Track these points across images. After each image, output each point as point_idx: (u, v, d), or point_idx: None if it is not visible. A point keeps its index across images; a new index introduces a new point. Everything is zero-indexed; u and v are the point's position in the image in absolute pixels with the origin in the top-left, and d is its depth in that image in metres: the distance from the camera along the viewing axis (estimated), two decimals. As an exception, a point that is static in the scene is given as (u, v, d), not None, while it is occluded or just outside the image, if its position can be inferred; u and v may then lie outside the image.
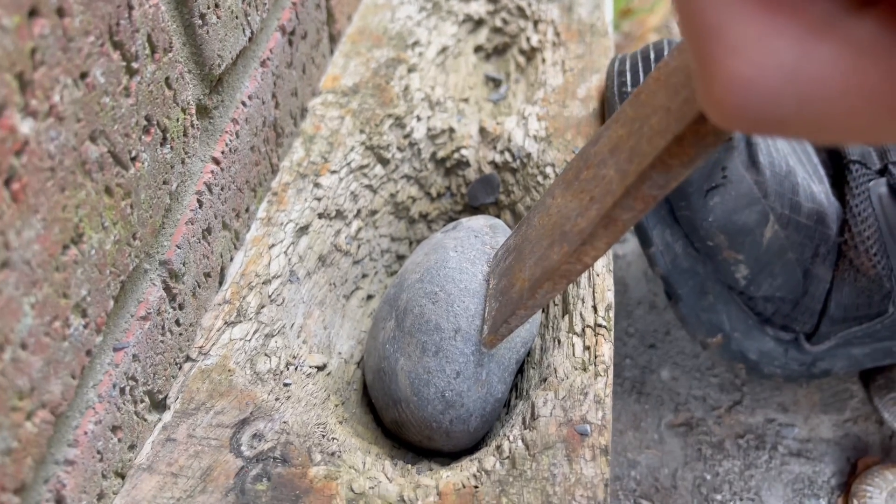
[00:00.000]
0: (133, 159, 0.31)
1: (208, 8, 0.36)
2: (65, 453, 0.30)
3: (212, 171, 0.40)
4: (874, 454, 0.55)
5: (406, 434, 0.42)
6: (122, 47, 0.29)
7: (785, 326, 0.53)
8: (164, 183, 0.34)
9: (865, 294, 0.50)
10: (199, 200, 0.38)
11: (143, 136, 0.31)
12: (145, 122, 0.32)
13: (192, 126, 0.36)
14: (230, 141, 0.41)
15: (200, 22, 0.35)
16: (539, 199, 0.33)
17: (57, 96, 0.25)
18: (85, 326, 0.29)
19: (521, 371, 0.44)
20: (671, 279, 0.50)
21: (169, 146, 0.34)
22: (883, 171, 0.50)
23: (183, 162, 0.36)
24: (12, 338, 0.25)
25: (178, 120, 0.35)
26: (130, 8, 0.29)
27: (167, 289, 0.36)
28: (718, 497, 0.52)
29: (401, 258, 0.53)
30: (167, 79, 0.33)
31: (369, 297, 0.51)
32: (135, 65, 0.30)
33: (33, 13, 0.24)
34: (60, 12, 0.25)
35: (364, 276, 0.51)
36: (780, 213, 0.48)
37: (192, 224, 0.38)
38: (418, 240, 0.54)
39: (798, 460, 0.54)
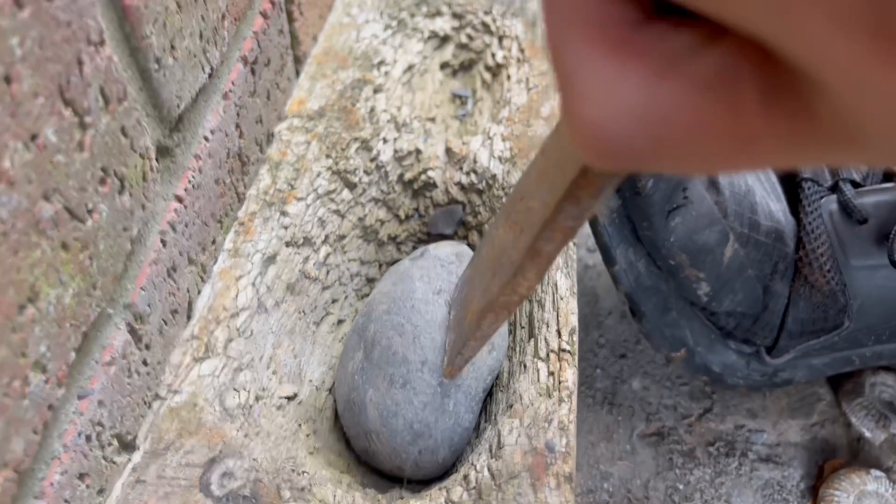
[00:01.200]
0: (90, 212, 0.31)
1: (164, 51, 0.36)
2: (31, 506, 0.30)
3: (175, 210, 0.40)
4: (842, 457, 0.56)
5: (377, 463, 0.43)
6: (74, 104, 0.29)
7: (746, 340, 0.54)
8: (125, 230, 0.34)
9: (821, 309, 0.51)
10: (162, 240, 0.39)
11: (99, 188, 0.32)
12: (101, 174, 0.32)
13: (152, 170, 0.37)
14: (193, 177, 0.41)
15: (156, 66, 0.35)
16: (487, 231, 0.34)
17: (7, 162, 0.26)
18: (46, 382, 0.29)
19: (490, 394, 0.45)
20: (634, 297, 0.51)
21: (128, 193, 0.34)
22: (834, 188, 0.51)
23: (143, 207, 0.36)
24: (-30, 404, 0.25)
25: (136, 166, 0.35)
26: (80, 64, 0.29)
27: (132, 331, 0.36)
28: (690, 506, 0.53)
29: (371, 281, 0.54)
30: (122, 128, 0.33)
31: (340, 321, 0.51)
32: (88, 119, 0.30)
33: (-22, 83, 0.24)
34: (7, 79, 0.25)
35: (334, 301, 0.51)
36: (739, 233, 0.49)
37: (157, 265, 0.38)
38: (388, 262, 0.54)
39: (767, 465, 0.55)
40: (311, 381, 0.47)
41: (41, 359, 0.29)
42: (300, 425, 0.42)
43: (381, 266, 0.54)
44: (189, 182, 0.41)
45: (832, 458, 0.56)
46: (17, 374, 0.28)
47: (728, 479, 0.54)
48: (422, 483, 0.42)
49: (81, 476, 0.33)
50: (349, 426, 0.43)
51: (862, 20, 0.10)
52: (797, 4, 0.10)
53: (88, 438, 0.33)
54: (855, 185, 0.52)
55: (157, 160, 0.37)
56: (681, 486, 0.53)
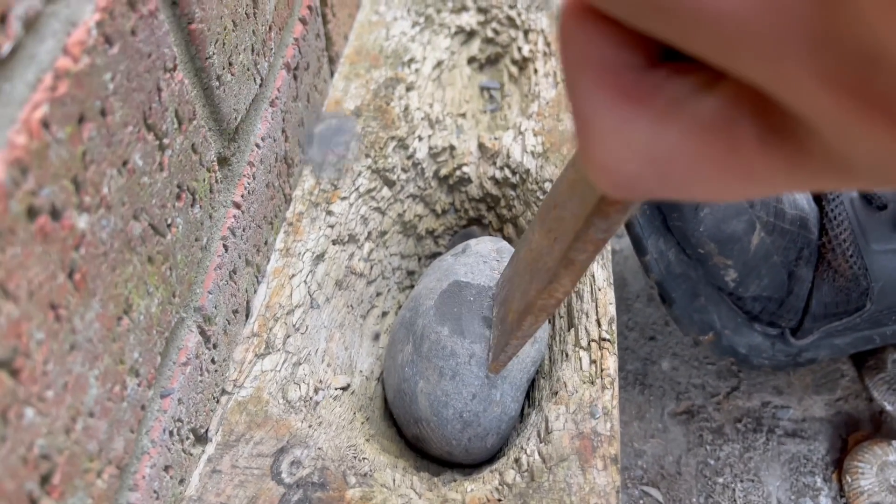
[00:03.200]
0: (169, 226, 0.34)
1: (223, 68, 0.38)
2: (127, 497, 0.33)
3: (234, 216, 0.42)
4: (865, 430, 0.58)
5: (427, 449, 0.45)
6: (155, 128, 0.31)
7: (771, 323, 0.56)
8: (196, 240, 0.37)
9: (844, 292, 0.53)
10: (224, 245, 0.41)
11: (176, 203, 0.34)
12: (177, 190, 0.34)
13: (217, 182, 0.39)
14: (248, 184, 0.44)
15: (217, 83, 0.38)
16: (525, 232, 0.35)
17: (105, 188, 0.28)
18: (139, 385, 0.32)
19: (533, 382, 0.47)
20: (665, 284, 0.53)
21: (198, 206, 0.37)
22: None
23: (211, 217, 0.38)
24: (82, 409, 0.28)
25: (204, 180, 0.37)
26: (160, 90, 0.32)
27: (202, 333, 0.39)
28: (720, 480, 0.55)
29: (411, 273, 0.56)
30: (193, 145, 0.35)
31: (384, 313, 0.54)
32: (166, 140, 0.33)
33: (81, 119, 0.26)
34: (103, 112, 0.28)
35: (378, 294, 0.54)
36: (765, 221, 0.51)
37: (220, 269, 0.41)
38: (426, 255, 0.57)
39: (794, 440, 0.57)
40: (361, 371, 0.49)
41: (135, 364, 0.32)
42: (355, 414, 0.45)
43: (420, 259, 0.56)
44: (245, 188, 0.43)
45: (856, 432, 0.58)
46: (118, 380, 0.30)
47: (756, 454, 0.56)
48: (471, 467, 0.45)
49: (166, 468, 0.36)
50: (400, 414, 0.46)
51: (845, 82, 0.11)
52: (788, 61, 0.12)
53: (171, 434, 0.36)
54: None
55: (218, 171, 0.40)
56: (711, 462, 0.56)
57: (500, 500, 0.37)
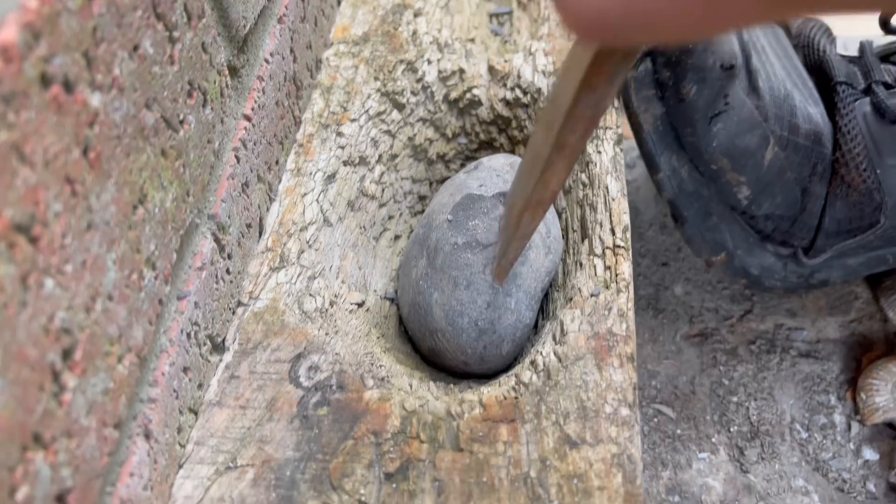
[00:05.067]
0: (181, 122, 0.33)
1: (230, -28, 0.38)
2: (148, 392, 0.33)
3: (245, 128, 0.42)
4: (879, 350, 0.58)
5: (443, 361, 0.45)
6: (165, 18, 0.31)
7: (784, 242, 0.55)
8: (209, 142, 0.37)
9: (857, 208, 0.53)
10: (236, 156, 0.41)
11: (187, 100, 0.34)
12: (188, 87, 0.34)
13: (227, 87, 0.39)
14: (258, 98, 0.44)
15: (225, -14, 0.37)
16: (530, 136, 0.35)
17: (117, 69, 0.28)
18: (155, 278, 0.32)
19: (546, 296, 0.47)
20: (677, 202, 0.52)
21: (210, 107, 0.36)
22: (867, 91, 0.52)
23: (222, 121, 0.38)
24: (101, 290, 0.28)
25: (215, 82, 0.37)
26: (168, -20, 0.31)
27: (217, 241, 0.39)
28: (734, 399, 0.55)
29: (422, 198, 0.56)
30: (203, 44, 0.35)
31: (396, 237, 0.54)
32: (175, 33, 0.32)
33: (91, -6, 0.26)
34: (112, -9, 0.27)
35: (390, 217, 0.54)
36: (779, 136, 0.50)
37: (233, 179, 0.41)
38: (437, 180, 0.56)
39: (807, 360, 0.57)
40: (375, 290, 0.50)
41: (151, 256, 0.32)
42: (370, 329, 0.45)
43: (431, 184, 0.56)
44: (255, 102, 0.43)
45: (870, 352, 0.58)
46: (135, 269, 0.30)
47: (770, 374, 0.57)
48: (487, 378, 0.45)
49: (185, 370, 0.36)
50: (415, 328, 0.46)
51: None
52: None
53: (189, 336, 0.36)
54: (887, 86, 0.53)
55: (229, 77, 0.39)
56: (725, 382, 0.56)
57: (516, 398, 0.37)
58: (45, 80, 0.24)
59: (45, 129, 0.24)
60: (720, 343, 0.58)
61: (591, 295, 0.41)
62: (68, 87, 0.25)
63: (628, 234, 0.43)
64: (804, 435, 0.54)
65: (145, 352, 0.32)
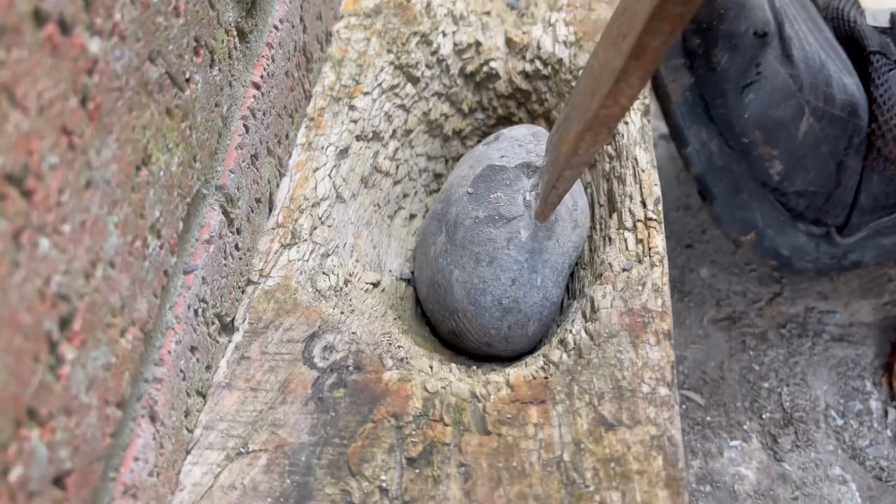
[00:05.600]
0: (188, 80, 0.31)
1: (239, -74, 0.35)
2: (153, 372, 0.31)
3: (254, 96, 0.40)
4: (915, 334, 0.56)
5: (464, 343, 0.43)
6: (169, -35, 0.29)
7: (817, 220, 0.53)
8: (216, 105, 0.34)
9: (894, 182, 0.50)
10: (245, 125, 0.39)
11: (194, 58, 0.32)
12: (195, 43, 0.32)
13: (235, 48, 0.36)
14: (267, 66, 0.41)
15: (233, -60, 0.35)
16: (584, 67, 0.33)
17: (118, 14, 0.25)
18: (161, 247, 0.30)
19: (571, 274, 0.45)
20: (706, 178, 0.50)
21: (217, 68, 0.34)
22: None
23: (230, 84, 0.36)
24: (102, 255, 0.26)
25: (223, 42, 0.35)
26: (172, -76, 0.29)
27: (225, 213, 0.37)
28: (766, 384, 0.53)
29: (438, 176, 0.54)
30: (210, -1, 0.33)
31: (411, 216, 0.52)
32: (181, -17, 0.30)
33: (89, -72, 0.24)
34: (112, -73, 0.25)
35: (405, 195, 0.51)
36: (814, 106, 0.48)
37: (241, 149, 0.38)
38: (453, 157, 0.54)
39: (841, 345, 0.55)
40: (390, 271, 0.47)
41: (156, 223, 0.29)
42: (387, 310, 0.43)
43: (447, 161, 0.54)
44: (264, 70, 0.41)
45: (906, 335, 0.56)
46: (139, 235, 0.28)
47: (802, 359, 0.54)
48: (510, 360, 0.43)
49: (192, 349, 0.34)
50: (434, 309, 0.44)
51: None
52: None
53: (196, 313, 0.34)
54: (925, 55, 0.51)
55: (237, 40, 0.37)
56: (756, 367, 0.54)
57: (546, 378, 0.35)
58: (39, 18, 0.22)
59: (39, 72, 0.22)
60: (749, 327, 0.56)
61: (623, 269, 0.38)
62: (64, 27, 0.23)
63: (660, 207, 0.41)
64: (840, 422, 0.51)
65: (150, 326, 0.29)
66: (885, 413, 0.52)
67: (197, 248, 0.34)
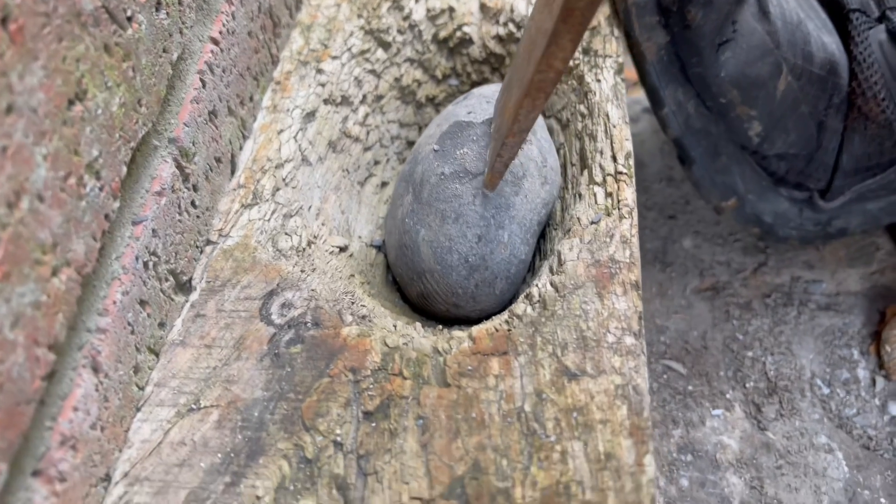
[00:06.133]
0: (129, 19, 0.30)
1: None
2: (96, 321, 0.30)
3: (211, 51, 0.39)
4: (904, 302, 0.54)
5: (433, 305, 0.42)
6: None
7: (799, 185, 0.52)
8: (164, 51, 0.33)
9: (877, 141, 0.49)
10: (201, 80, 0.38)
11: (136, -4, 0.31)
12: (137, -18, 0.31)
13: (186, -5, 0.35)
14: (227, 22, 0.40)
15: None
16: (523, 30, 0.32)
17: (43, -64, 0.24)
18: (101, 189, 0.29)
19: (543, 234, 0.44)
20: (684, 141, 0.49)
21: (165, 12, 0.33)
22: (881, 18, 0.49)
23: (181, 32, 0.35)
24: (28, 187, 0.25)
25: (170, -15, 0.34)
26: None
27: (179, 167, 0.36)
28: (749, 354, 0.51)
29: (411, 144, 0.53)
30: (155, -61, 0.32)
31: (383, 184, 0.50)
32: (119, -83, 0.29)
33: None
34: None
35: (376, 162, 0.50)
36: (793, 64, 0.46)
37: (198, 103, 0.37)
38: (427, 125, 0.53)
39: (827, 314, 0.54)
40: (360, 237, 0.46)
41: (94, 163, 0.28)
42: (354, 274, 0.41)
43: (420, 129, 0.53)
44: (223, 26, 0.40)
45: (894, 304, 0.54)
46: (73, 172, 0.27)
47: (787, 328, 0.53)
48: (478, 323, 0.42)
49: (142, 303, 0.33)
50: (402, 273, 0.42)
51: None
52: None
53: (146, 266, 0.33)
54: (905, 12, 0.50)
55: (190, -10, 0.36)
56: (740, 336, 0.52)
57: (509, 330, 0.34)
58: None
59: (-53, -19, 0.21)
60: (733, 297, 0.54)
61: (591, 222, 0.37)
62: (-22, -61, 0.22)
63: (631, 161, 0.40)
64: (826, 391, 0.50)
65: (88, 270, 0.28)
66: (873, 382, 0.51)
67: (147, 199, 0.33)
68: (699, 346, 0.52)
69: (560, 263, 0.36)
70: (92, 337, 0.29)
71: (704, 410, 0.49)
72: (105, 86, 0.29)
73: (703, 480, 0.46)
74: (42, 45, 0.25)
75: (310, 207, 0.42)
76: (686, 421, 0.48)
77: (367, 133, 0.49)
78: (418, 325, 0.37)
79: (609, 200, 0.38)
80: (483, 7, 0.51)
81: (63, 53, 0.26)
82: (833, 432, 0.48)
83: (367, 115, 0.49)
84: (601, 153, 0.40)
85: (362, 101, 0.49)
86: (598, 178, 0.39)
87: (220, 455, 0.31)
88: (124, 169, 0.30)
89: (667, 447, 0.47)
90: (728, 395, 0.50)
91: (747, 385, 0.50)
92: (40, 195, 0.25)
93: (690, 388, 0.50)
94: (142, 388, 0.33)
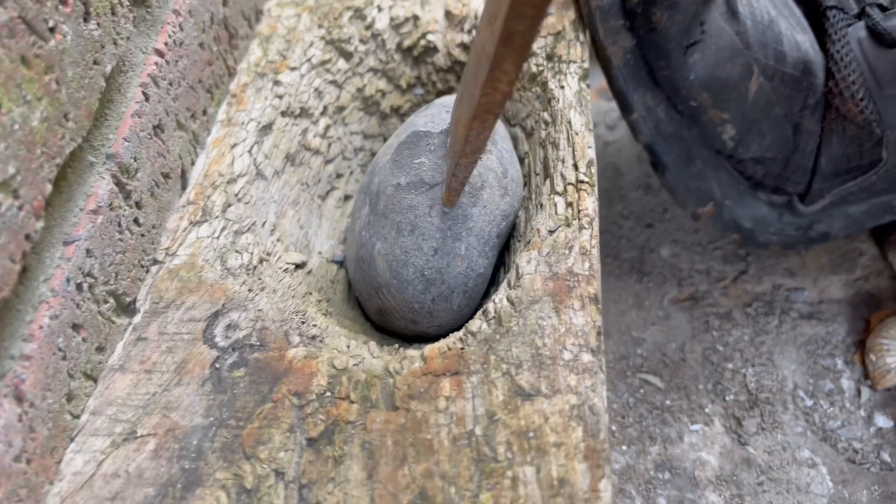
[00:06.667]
0: (52, 30, 0.29)
1: None
2: (20, 348, 0.28)
3: (156, 63, 0.37)
4: (888, 309, 0.53)
5: (391, 321, 0.40)
6: None
7: (777, 189, 0.50)
8: (96, 63, 0.32)
9: (856, 143, 0.47)
10: (144, 93, 0.36)
11: (60, 6, 0.29)
12: (61, -9, 0.29)
13: (121, 5, 0.34)
14: (173, 33, 0.39)
15: None
16: (471, 44, 0.31)
17: (-59, -58, 0.23)
18: (19, 208, 0.27)
19: (507, 247, 0.42)
20: (656, 146, 0.47)
21: (95, 23, 0.32)
22: (860, 15, 0.47)
23: (115, 43, 0.33)
24: (-71, 209, 0.23)
25: (101, -5, 0.32)
26: None
27: (119, 184, 0.34)
28: (730, 366, 0.50)
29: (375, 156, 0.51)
30: (81, -53, 0.31)
31: (347, 197, 0.49)
32: (37, -76, 0.28)
33: None
34: None
35: (339, 175, 0.49)
36: (764, 64, 0.45)
37: (140, 117, 0.36)
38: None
39: (810, 322, 0.52)
40: (320, 252, 0.45)
41: (10, 181, 0.27)
42: (311, 292, 0.40)
43: (385, 140, 0.51)
44: (169, 37, 0.39)
45: (878, 311, 0.53)
46: (-17, 191, 0.25)
47: (769, 338, 0.51)
48: (438, 339, 0.40)
49: (75, 327, 0.31)
50: (360, 288, 0.41)
51: None
52: None
53: (80, 288, 0.31)
54: (882, 8, 0.48)
55: (130, 2, 0.35)
56: (720, 348, 0.51)
57: (462, 349, 0.32)
58: None
59: None
60: (712, 307, 0.53)
61: (549, 232, 0.35)
62: None
63: (593, 169, 0.38)
64: (809, 402, 0.48)
65: (5, 294, 0.27)
66: (858, 392, 0.49)
67: (81, 217, 0.32)
68: (677, 359, 0.50)
69: (518, 277, 0.34)
70: (15, 364, 0.28)
71: (683, 425, 0.47)
72: (23, 99, 0.27)
73: (682, 499, 0.44)
74: (-57, 57, 0.23)
75: (264, 223, 0.41)
76: (664, 437, 0.47)
77: (329, 145, 0.48)
78: (373, 343, 0.36)
79: (569, 210, 0.36)
80: (448, 14, 0.50)
81: (-31, 66, 0.25)
82: (817, 446, 0.46)
83: (328, 127, 0.48)
84: (563, 162, 0.39)
85: (323, 113, 0.48)
86: (560, 188, 0.38)
87: (153, 487, 0.29)
88: (49, 187, 0.29)
89: (643, 465, 0.45)
90: (707, 409, 0.48)
91: (727, 398, 0.48)
92: (-57, 216, 0.24)
93: (668, 402, 0.48)
94: (77, 417, 0.31)
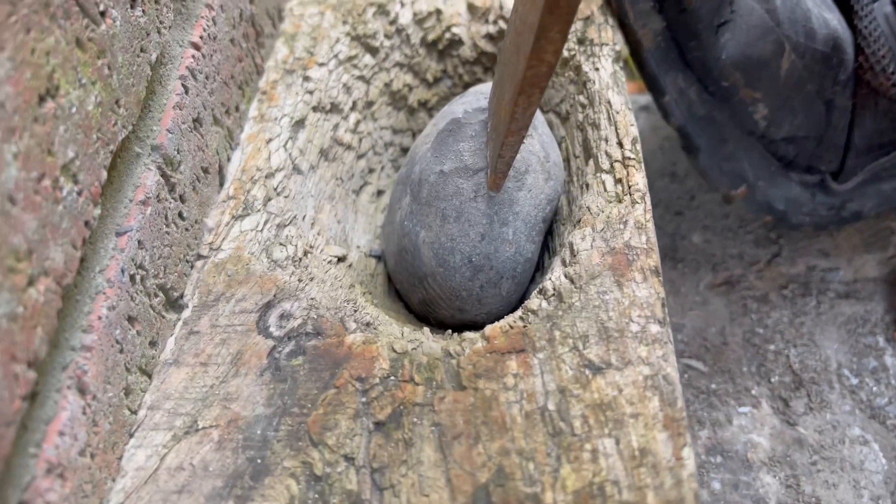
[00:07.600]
0: (102, 14, 0.28)
1: None
2: (81, 339, 0.27)
3: (193, 56, 0.37)
4: (925, 285, 0.52)
5: (436, 312, 0.40)
6: None
7: (810, 168, 0.50)
8: (142, 51, 0.31)
9: (889, 117, 0.47)
10: (184, 85, 0.36)
11: (109, -9, 0.29)
12: (110, -24, 0.29)
13: (164, -6, 0.34)
14: (207, 27, 0.39)
15: None
16: (508, 23, 0.31)
17: (3, -82, 0.23)
18: (79, 194, 0.27)
19: (550, 232, 0.42)
20: (688, 129, 0.47)
21: (140, 9, 0.31)
22: None
23: (159, 31, 0.33)
24: (-3, 189, 0.22)
25: (146, -18, 0.32)
26: None
27: (164, 176, 0.34)
28: (772, 347, 0.49)
29: (405, 151, 0.51)
30: (127, -67, 0.30)
31: (379, 192, 0.48)
32: None
33: None
34: None
35: (371, 170, 0.48)
36: (795, 42, 0.45)
37: (181, 109, 0.35)
38: (420, 130, 0.51)
39: (847, 302, 0.52)
40: (358, 247, 0.44)
41: (70, 164, 0.26)
42: (354, 284, 0.39)
43: (413, 135, 0.51)
44: (204, 31, 0.38)
45: (915, 288, 0.52)
46: (48, 174, 0.25)
47: (808, 319, 0.51)
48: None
49: (131, 319, 0.30)
50: (403, 279, 0.40)
51: None
52: None
53: (133, 279, 0.31)
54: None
55: (168, -9, 0.35)
56: (760, 330, 0.50)
57: (525, 327, 0.32)
58: None
59: None
60: (749, 290, 0.52)
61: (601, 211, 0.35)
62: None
63: (638, 147, 0.38)
64: (854, 381, 0.48)
65: (68, 280, 0.26)
66: (902, 369, 0.48)
67: (131, 208, 0.31)
68: (719, 343, 0.50)
69: (573, 254, 0.34)
70: (77, 355, 0.27)
71: (730, 409, 0.46)
72: (79, 82, 0.27)
73: (736, 482, 0.43)
74: (8, 34, 0.23)
75: (304, 217, 0.40)
76: (712, 421, 0.46)
77: (360, 140, 0.47)
78: (426, 329, 0.35)
79: (619, 187, 0.36)
80: (471, 7, 0.49)
81: (32, 45, 0.24)
82: (866, 423, 0.46)
83: (358, 122, 0.47)
84: (606, 140, 0.39)
85: (352, 108, 0.47)
86: (605, 166, 0.37)
87: (222, 479, 0.28)
88: (104, 173, 0.28)
89: (695, 449, 0.45)
90: (753, 392, 0.47)
91: (772, 380, 0.48)
92: (11, 197, 0.23)
93: (713, 386, 0.48)
94: (134, 412, 0.31)
